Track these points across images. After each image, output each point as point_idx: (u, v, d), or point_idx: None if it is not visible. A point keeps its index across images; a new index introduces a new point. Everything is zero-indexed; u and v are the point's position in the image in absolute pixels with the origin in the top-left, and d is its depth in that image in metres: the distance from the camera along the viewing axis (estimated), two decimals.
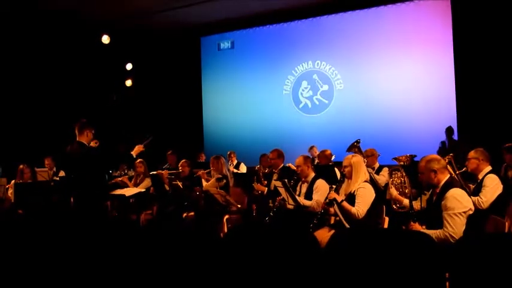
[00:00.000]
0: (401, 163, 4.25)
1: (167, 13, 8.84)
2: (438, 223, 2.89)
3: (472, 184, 4.10)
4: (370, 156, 5.47)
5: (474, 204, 3.19)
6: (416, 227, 3.05)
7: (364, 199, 3.56)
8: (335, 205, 3.64)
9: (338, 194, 3.73)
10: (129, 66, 9.49)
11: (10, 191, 5.88)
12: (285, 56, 9.66)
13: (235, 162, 8.42)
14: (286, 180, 4.18)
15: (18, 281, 2.44)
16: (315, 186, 4.18)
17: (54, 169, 7.02)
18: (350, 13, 8.89)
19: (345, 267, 1.97)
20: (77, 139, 4.29)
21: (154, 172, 5.80)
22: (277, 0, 8.59)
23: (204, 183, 5.58)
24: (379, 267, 1.90)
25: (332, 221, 3.99)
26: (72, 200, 4.60)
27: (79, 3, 7.91)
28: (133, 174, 6.29)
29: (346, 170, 3.74)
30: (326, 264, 1.98)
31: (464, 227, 2.82)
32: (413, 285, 1.85)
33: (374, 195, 3.62)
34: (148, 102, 10.45)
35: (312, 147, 8.04)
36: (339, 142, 7.08)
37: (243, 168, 8.11)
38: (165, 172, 5.76)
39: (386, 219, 3.78)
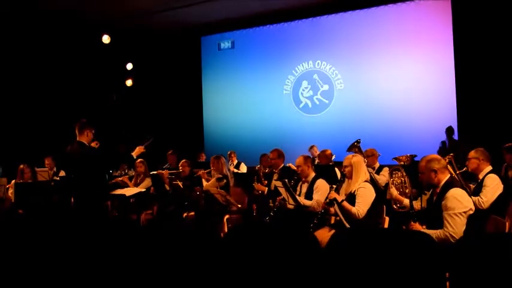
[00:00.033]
0: (402, 163, 4.26)
1: (167, 13, 8.84)
2: (438, 223, 2.89)
3: (473, 184, 4.11)
4: (370, 156, 5.47)
5: (474, 204, 3.19)
6: (417, 227, 3.05)
7: (365, 199, 3.56)
8: (335, 205, 3.64)
9: (338, 193, 3.73)
10: (129, 66, 9.49)
11: (10, 191, 5.88)
12: (285, 55, 9.66)
13: (235, 162, 8.42)
14: (286, 180, 4.18)
15: (19, 281, 2.44)
16: (315, 186, 4.18)
17: (55, 169, 7.02)
18: (350, 13, 8.89)
19: (345, 267, 1.97)
20: (77, 139, 4.29)
21: (155, 172, 5.80)
22: (277, 0, 8.59)
23: (205, 183, 5.58)
24: (380, 267, 1.90)
25: (332, 221, 3.99)
26: (72, 200, 4.61)
27: (79, 3, 7.91)
28: (133, 174, 6.30)
29: (347, 169, 3.74)
30: (326, 264, 1.98)
31: (464, 227, 2.82)
32: (414, 285, 1.85)
33: (374, 195, 3.62)
34: (149, 102, 10.46)
35: (312, 147, 8.05)
36: (339, 142, 7.10)
37: (243, 168, 8.11)
38: (165, 172, 5.76)
39: (387, 219, 3.78)
